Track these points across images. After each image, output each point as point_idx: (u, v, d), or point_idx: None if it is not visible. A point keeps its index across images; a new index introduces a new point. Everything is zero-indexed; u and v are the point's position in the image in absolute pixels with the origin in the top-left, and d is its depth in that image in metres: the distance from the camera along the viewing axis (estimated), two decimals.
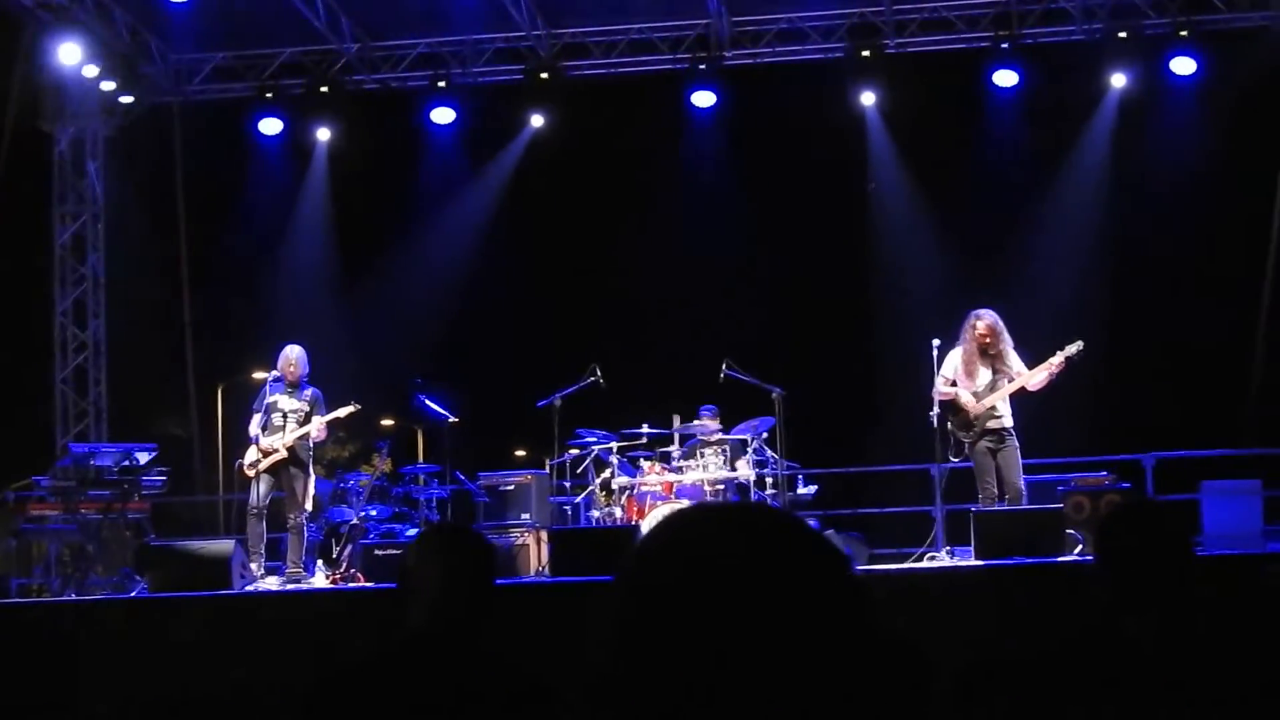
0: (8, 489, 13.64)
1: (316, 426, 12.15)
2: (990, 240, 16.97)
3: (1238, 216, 16.20)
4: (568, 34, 16.06)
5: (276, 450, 12.01)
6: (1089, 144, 15.91)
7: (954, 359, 11.50)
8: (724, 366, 12.87)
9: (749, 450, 12.77)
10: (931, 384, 11.49)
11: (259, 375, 14.84)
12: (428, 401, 13.46)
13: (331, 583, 12.17)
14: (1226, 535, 11.00)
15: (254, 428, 12.13)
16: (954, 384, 11.43)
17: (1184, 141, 15.57)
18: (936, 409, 11.46)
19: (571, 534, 11.73)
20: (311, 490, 12.40)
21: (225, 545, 11.23)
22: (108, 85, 15.31)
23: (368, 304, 18.59)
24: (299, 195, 17.07)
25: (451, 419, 13.36)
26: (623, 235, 19.91)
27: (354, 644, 3.45)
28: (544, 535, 12.22)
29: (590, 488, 13.02)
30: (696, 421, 13.20)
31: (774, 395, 12.61)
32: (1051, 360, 11.25)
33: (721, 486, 12.63)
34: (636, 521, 12.13)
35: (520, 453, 21.91)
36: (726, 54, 15.82)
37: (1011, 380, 11.34)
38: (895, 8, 15.44)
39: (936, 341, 11.58)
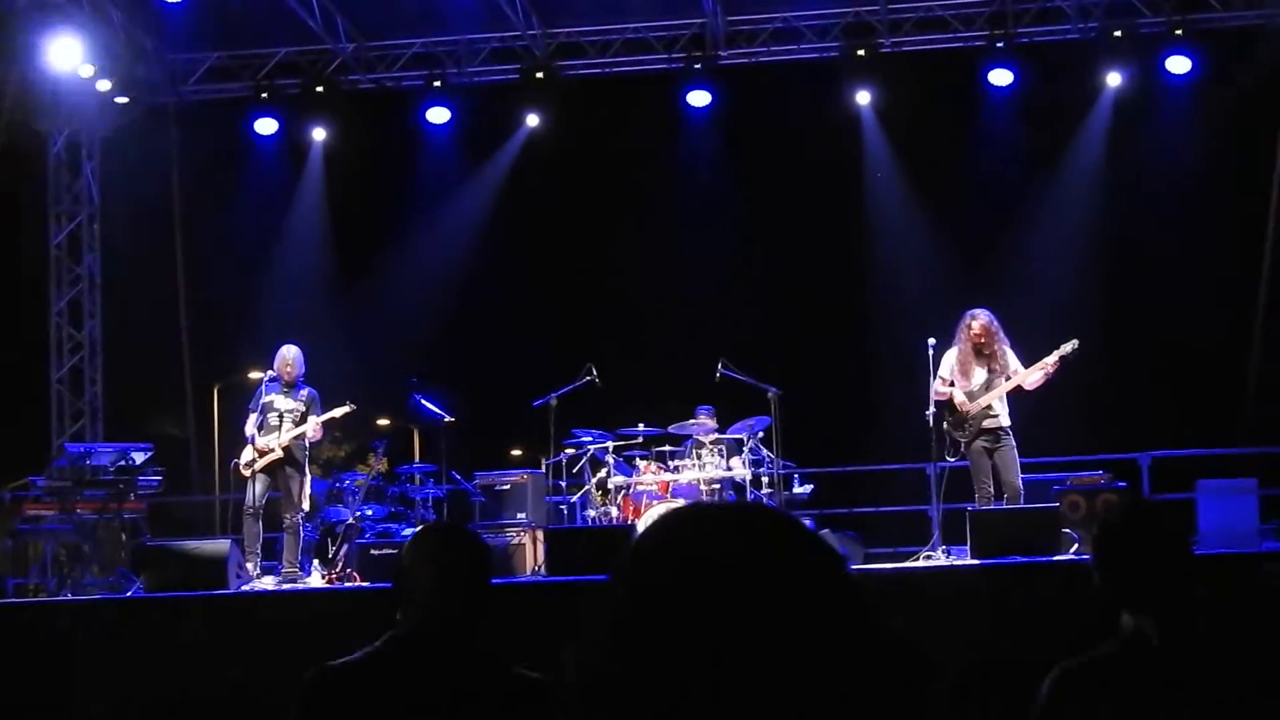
0: (4, 489, 13.63)
1: (312, 426, 12.15)
2: (986, 239, 16.98)
3: (1233, 215, 16.20)
4: (563, 33, 16.06)
5: (272, 450, 12.01)
6: (1084, 143, 15.92)
7: (949, 359, 11.51)
8: (720, 366, 12.87)
9: (745, 449, 12.77)
10: (927, 383, 11.49)
11: (255, 375, 14.84)
12: (424, 401, 13.46)
13: (327, 582, 12.16)
14: (1222, 534, 10.99)
15: (250, 427, 12.13)
16: (952, 384, 11.44)
17: (1179, 140, 15.58)
18: (933, 408, 11.47)
19: (567, 533, 11.73)
20: (308, 490, 12.39)
21: (221, 545, 11.22)
22: (103, 85, 15.29)
23: (363, 304, 18.59)
24: (294, 195, 17.07)
25: (447, 418, 13.36)
26: (618, 235, 19.91)
27: (350, 644, 3.43)
28: (540, 535, 12.22)
29: (586, 487, 13.02)
30: (693, 421, 13.20)
31: (770, 394, 12.61)
32: (1047, 360, 11.26)
33: (717, 486, 12.64)
34: (632, 521, 12.14)
35: (516, 452, 21.95)
36: (722, 53, 15.81)
37: (1008, 379, 11.34)
38: (890, 7, 15.44)
39: (932, 341, 11.59)
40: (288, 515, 12.07)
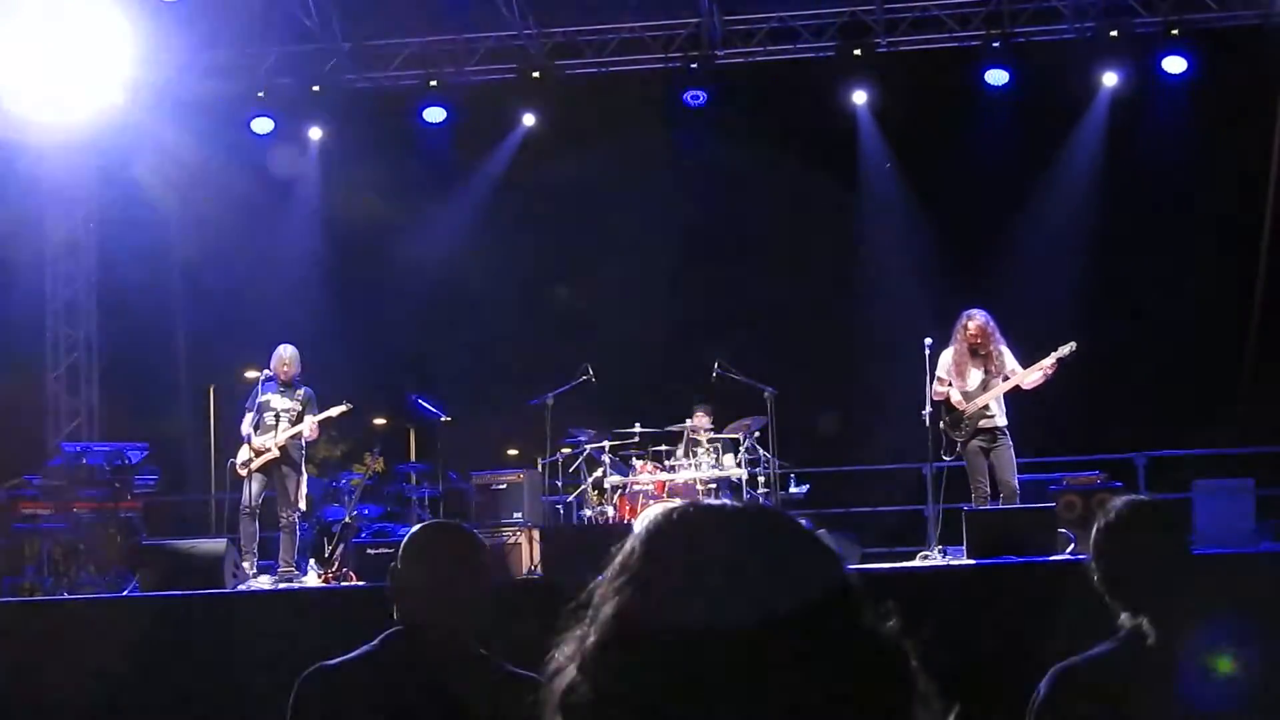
0: (0, 487, 13.63)
1: (309, 426, 12.15)
2: (982, 239, 16.97)
3: (1229, 215, 16.21)
4: (559, 33, 16.06)
5: (269, 449, 12.01)
6: (1080, 143, 15.92)
7: (946, 359, 11.51)
8: (716, 365, 12.87)
9: (741, 449, 12.78)
10: (924, 383, 11.50)
11: (251, 374, 14.81)
12: (420, 400, 13.46)
13: (324, 582, 12.16)
14: (1219, 534, 10.99)
15: (246, 427, 12.13)
16: (949, 384, 11.45)
17: (1175, 140, 15.58)
18: (929, 408, 11.47)
19: (564, 532, 11.73)
20: (304, 489, 12.39)
21: (218, 544, 11.22)
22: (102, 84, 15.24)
23: (360, 302, 18.56)
24: (291, 194, 17.05)
25: (444, 418, 13.36)
26: (615, 234, 19.88)
27: (346, 643, 3.43)
28: (536, 534, 12.22)
29: (582, 486, 13.02)
30: (689, 420, 13.20)
31: (766, 394, 12.62)
32: (1044, 361, 11.27)
33: (714, 485, 12.63)
34: (629, 520, 12.14)
35: (512, 451, 21.86)
36: (718, 53, 15.82)
37: (1005, 379, 11.35)
38: (886, 6, 15.44)
39: (928, 341, 11.59)
40: (284, 514, 12.07)
